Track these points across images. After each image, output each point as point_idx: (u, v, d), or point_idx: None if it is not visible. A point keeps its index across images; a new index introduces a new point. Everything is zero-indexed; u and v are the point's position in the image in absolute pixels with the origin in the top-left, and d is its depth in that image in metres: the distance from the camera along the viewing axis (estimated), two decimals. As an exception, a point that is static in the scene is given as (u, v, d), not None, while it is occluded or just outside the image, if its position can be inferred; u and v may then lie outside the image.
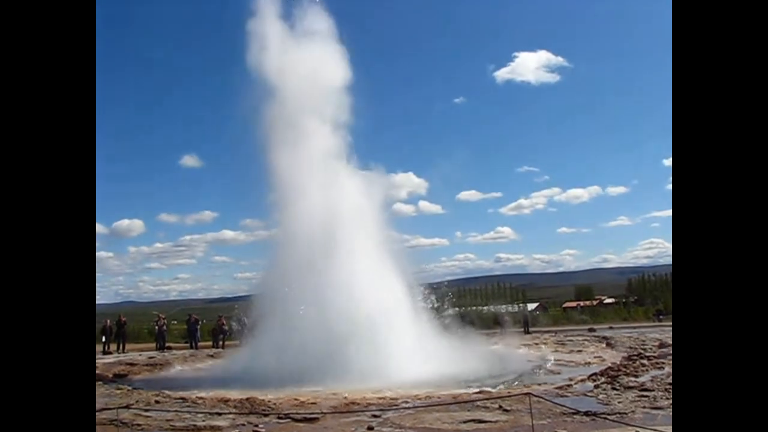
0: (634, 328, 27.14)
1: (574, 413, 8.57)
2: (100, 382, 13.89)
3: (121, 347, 24.29)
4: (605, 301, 65.32)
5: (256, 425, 8.65)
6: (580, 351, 19.31)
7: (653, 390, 10.44)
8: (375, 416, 9.12)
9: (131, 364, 18.64)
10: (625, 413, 8.77)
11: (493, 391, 11.55)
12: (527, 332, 27.16)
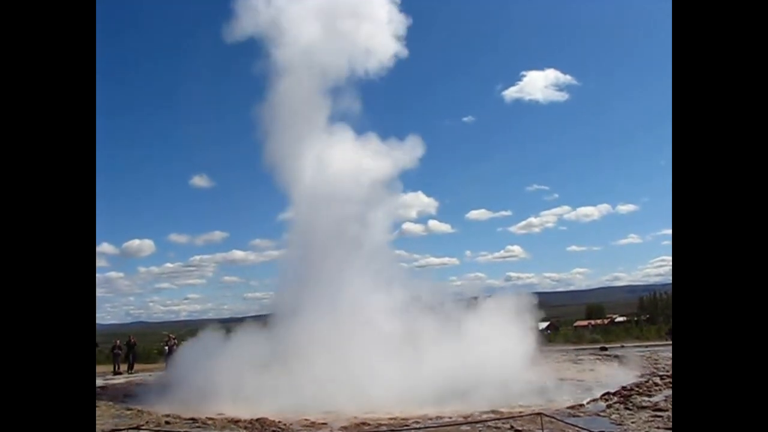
0: (647, 346, 26.85)
1: (586, 433, 8.50)
2: (110, 403, 13.89)
3: (130, 368, 24.35)
4: (617, 320, 64.60)
5: (267, 446, 8.63)
6: (592, 370, 19.13)
7: (667, 410, 10.32)
8: (386, 437, 9.08)
9: (141, 385, 18.62)
10: (639, 433, 8.69)
11: (505, 410, 11.46)
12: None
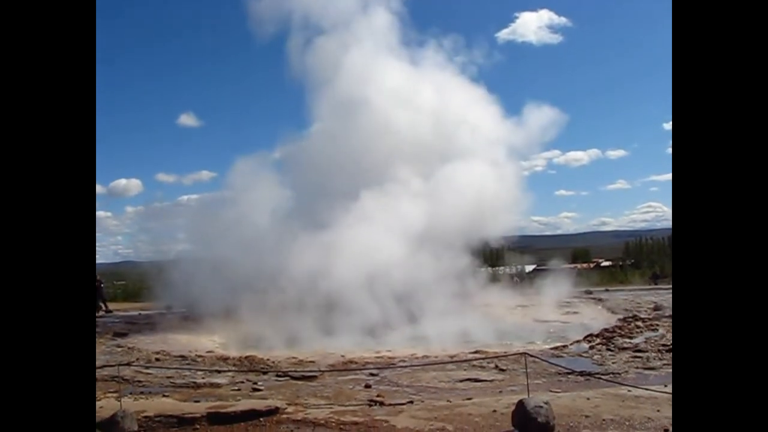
0: (630, 290, 27.33)
1: (568, 373, 8.71)
2: (100, 341, 14.04)
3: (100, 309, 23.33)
4: (602, 264, 65.58)
5: (255, 383, 8.78)
6: (576, 313, 19.50)
7: (647, 351, 10.60)
8: (372, 375, 9.26)
9: (131, 323, 18.78)
10: (619, 373, 8.92)
11: (489, 351, 11.71)
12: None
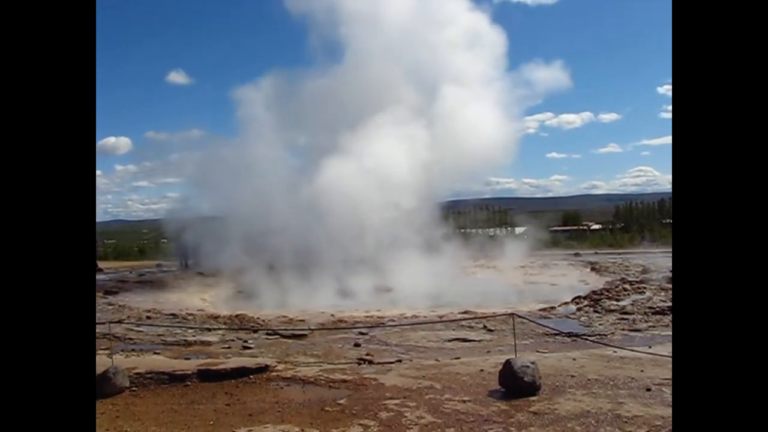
0: (619, 254, 27.58)
1: (556, 334, 8.82)
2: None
3: None
4: (592, 227, 65.93)
5: (245, 341, 8.85)
6: (565, 275, 19.70)
7: (633, 313, 10.75)
8: (362, 333, 9.35)
9: (123, 281, 18.82)
10: (605, 335, 9.05)
11: (478, 311, 11.83)
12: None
